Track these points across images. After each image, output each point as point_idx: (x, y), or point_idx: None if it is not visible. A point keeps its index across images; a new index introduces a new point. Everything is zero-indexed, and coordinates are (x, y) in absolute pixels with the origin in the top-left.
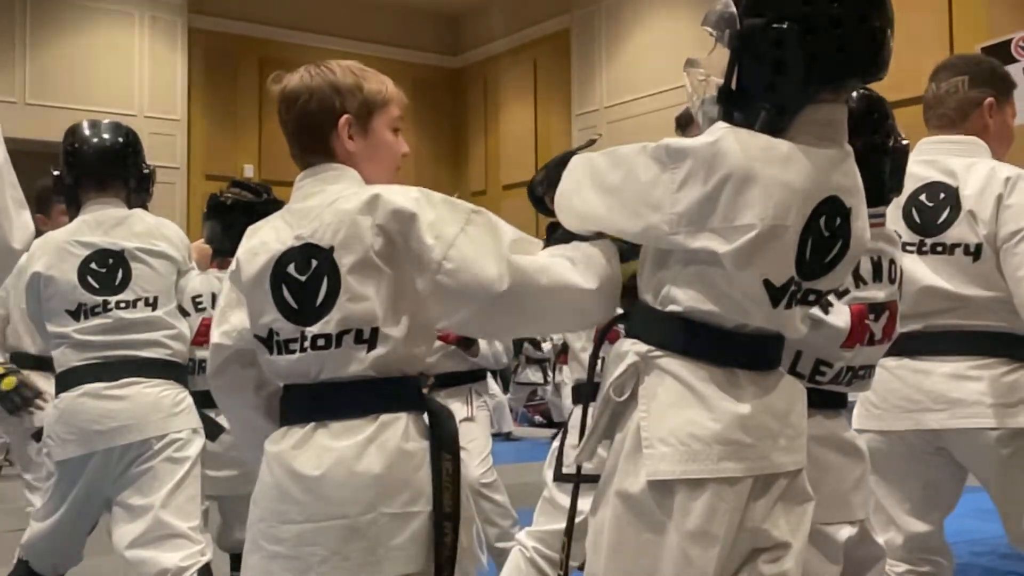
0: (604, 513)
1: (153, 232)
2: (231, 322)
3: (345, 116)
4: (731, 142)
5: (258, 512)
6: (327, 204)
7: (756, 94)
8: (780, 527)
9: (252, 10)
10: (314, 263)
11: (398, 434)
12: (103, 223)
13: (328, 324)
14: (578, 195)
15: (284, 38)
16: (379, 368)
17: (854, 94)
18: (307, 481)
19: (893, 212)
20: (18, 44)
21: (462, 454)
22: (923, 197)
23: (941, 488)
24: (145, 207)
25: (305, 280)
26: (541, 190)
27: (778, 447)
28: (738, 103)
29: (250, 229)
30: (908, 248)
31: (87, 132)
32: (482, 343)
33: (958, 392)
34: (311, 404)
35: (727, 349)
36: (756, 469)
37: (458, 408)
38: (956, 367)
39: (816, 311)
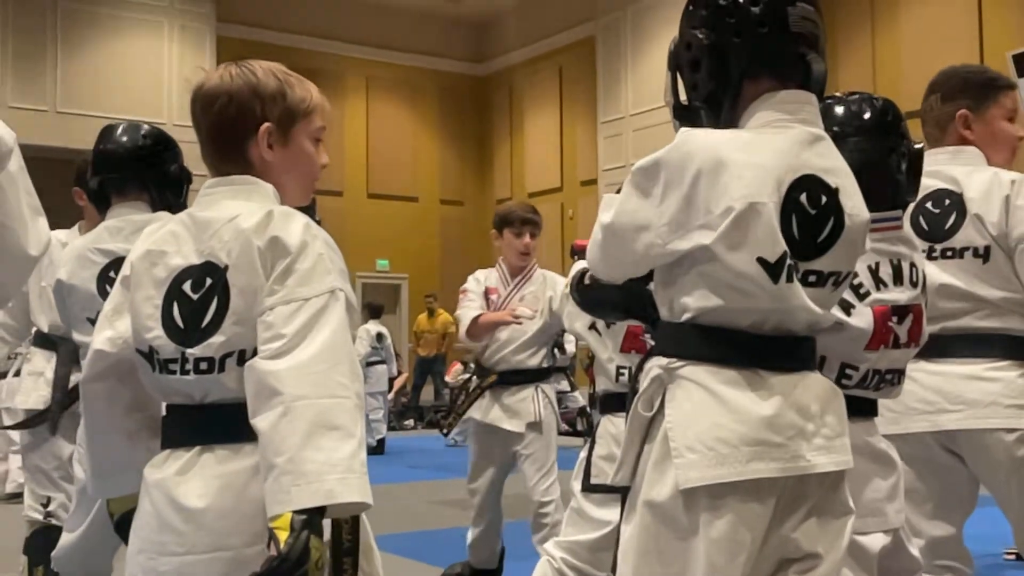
0: (633, 521)
1: None
2: (117, 328)
3: (266, 124)
4: (694, 141)
5: (137, 543)
6: (228, 219)
7: (692, 98)
8: (812, 538)
9: (280, 19)
10: (208, 282)
11: None
12: (123, 229)
13: (210, 347)
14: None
15: (311, 46)
16: None
17: (871, 104)
18: (189, 511)
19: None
20: (49, 53)
21: (522, 465)
22: (929, 204)
23: (959, 491)
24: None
25: (197, 299)
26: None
27: (813, 446)
28: (690, 115)
29: (147, 231)
30: None
31: (111, 135)
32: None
33: (974, 393)
34: (197, 427)
35: (746, 350)
36: (789, 469)
37: (524, 409)
38: (972, 368)
39: (838, 313)
